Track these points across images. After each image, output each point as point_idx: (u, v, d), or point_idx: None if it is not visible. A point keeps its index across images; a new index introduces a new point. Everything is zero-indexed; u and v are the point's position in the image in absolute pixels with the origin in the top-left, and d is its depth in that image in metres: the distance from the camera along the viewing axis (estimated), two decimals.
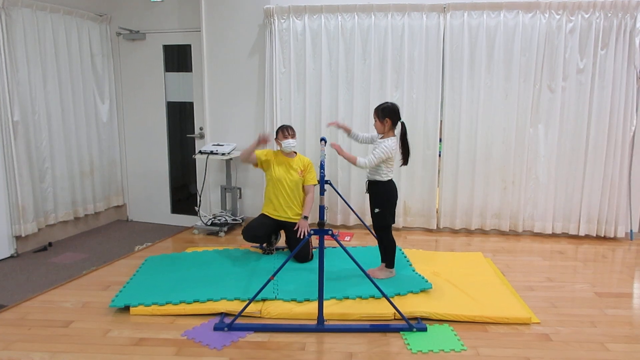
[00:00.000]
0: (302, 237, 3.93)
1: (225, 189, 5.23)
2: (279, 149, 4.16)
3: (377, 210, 3.57)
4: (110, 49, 5.50)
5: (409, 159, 3.59)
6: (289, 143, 4.06)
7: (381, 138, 3.53)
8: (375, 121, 3.54)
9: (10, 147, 4.35)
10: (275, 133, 4.26)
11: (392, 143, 3.45)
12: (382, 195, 3.56)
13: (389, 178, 3.54)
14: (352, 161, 3.46)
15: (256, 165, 4.18)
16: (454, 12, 4.72)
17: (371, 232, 4.58)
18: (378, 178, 3.52)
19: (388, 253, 3.64)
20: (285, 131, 4.10)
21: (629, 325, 3.07)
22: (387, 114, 3.47)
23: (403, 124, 3.53)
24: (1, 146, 4.34)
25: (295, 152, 4.22)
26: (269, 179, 4.16)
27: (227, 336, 2.91)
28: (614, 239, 4.91)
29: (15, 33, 4.36)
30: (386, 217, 3.57)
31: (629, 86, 4.64)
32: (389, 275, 3.64)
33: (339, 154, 3.49)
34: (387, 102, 3.56)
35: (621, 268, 4.15)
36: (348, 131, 3.86)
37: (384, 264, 3.66)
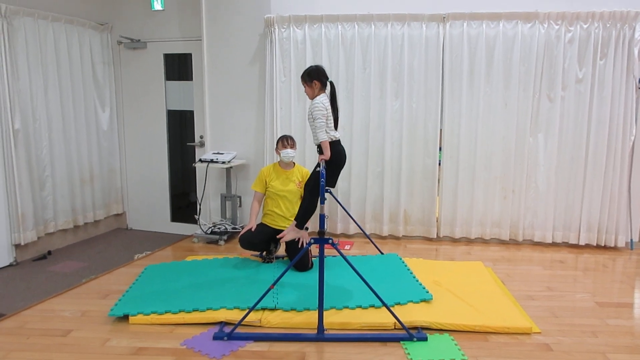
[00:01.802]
0: (302, 246, 3.92)
1: (225, 197, 5.23)
2: (278, 159, 4.17)
3: (318, 169, 3.42)
4: (111, 58, 5.53)
5: (338, 123, 3.49)
6: (287, 153, 4.08)
7: None
8: (305, 87, 3.50)
9: (11, 155, 4.35)
10: (275, 143, 4.27)
11: (322, 99, 3.39)
12: (331, 155, 3.43)
13: (335, 139, 3.45)
14: (324, 146, 3.38)
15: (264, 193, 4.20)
16: (454, 22, 4.75)
17: (371, 242, 4.57)
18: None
19: (304, 214, 3.54)
20: (284, 141, 4.12)
21: (630, 336, 3.06)
22: (314, 76, 3.42)
23: (332, 84, 3.47)
24: (2, 154, 4.34)
25: (294, 163, 4.22)
26: (268, 194, 4.17)
27: (226, 345, 2.89)
28: (615, 248, 4.90)
29: (16, 41, 4.39)
30: (325, 177, 3.45)
31: (628, 96, 4.65)
32: (296, 236, 3.57)
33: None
34: (311, 66, 3.53)
35: (622, 278, 4.14)
36: None
37: (295, 223, 3.60)
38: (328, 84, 3.48)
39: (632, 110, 4.67)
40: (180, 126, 5.66)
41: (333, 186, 3.61)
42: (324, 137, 3.35)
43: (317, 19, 4.88)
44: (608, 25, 4.58)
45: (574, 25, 4.63)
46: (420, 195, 5.07)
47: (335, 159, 3.44)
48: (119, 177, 5.74)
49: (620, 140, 4.70)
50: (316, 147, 3.53)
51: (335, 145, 3.44)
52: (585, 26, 4.61)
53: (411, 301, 3.37)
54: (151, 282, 3.77)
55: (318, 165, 3.50)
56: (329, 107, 3.42)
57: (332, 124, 3.45)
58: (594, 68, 4.66)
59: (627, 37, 4.58)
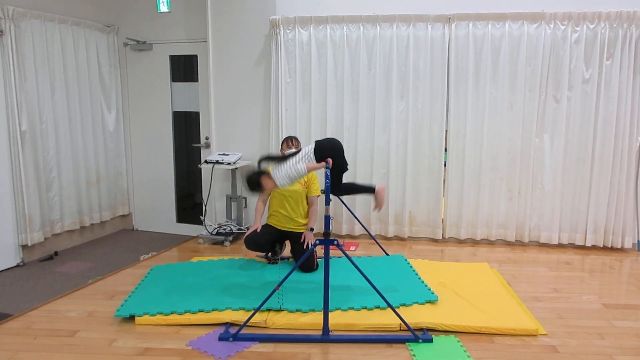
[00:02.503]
0: (307, 247, 3.93)
1: (230, 198, 5.24)
2: None
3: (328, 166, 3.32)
4: (117, 60, 5.55)
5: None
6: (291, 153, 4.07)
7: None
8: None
9: (18, 157, 4.38)
10: (280, 145, 4.28)
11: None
12: (321, 151, 3.34)
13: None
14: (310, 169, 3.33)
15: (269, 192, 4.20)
16: (459, 23, 4.74)
17: (377, 243, 4.57)
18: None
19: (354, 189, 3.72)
20: (289, 142, 4.13)
21: (637, 337, 3.04)
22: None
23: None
24: (9, 155, 4.37)
25: None
26: (273, 194, 4.17)
27: (232, 346, 2.90)
28: (621, 249, 4.87)
29: (24, 43, 4.41)
30: (338, 170, 3.37)
31: (635, 96, 4.63)
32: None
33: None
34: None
35: (629, 279, 4.11)
36: None
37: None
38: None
39: (638, 110, 4.64)
40: (186, 127, 5.68)
41: (347, 168, 3.54)
42: (303, 166, 3.28)
43: (322, 20, 4.88)
44: (615, 25, 4.56)
45: (581, 26, 4.61)
46: (426, 196, 5.06)
47: (326, 147, 3.35)
48: (125, 178, 5.76)
49: (627, 140, 4.67)
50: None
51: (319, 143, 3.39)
52: (591, 26, 4.59)
53: (416, 302, 3.36)
54: (157, 283, 3.78)
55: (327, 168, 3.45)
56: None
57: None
58: (600, 68, 4.64)
59: (634, 37, 4.55)
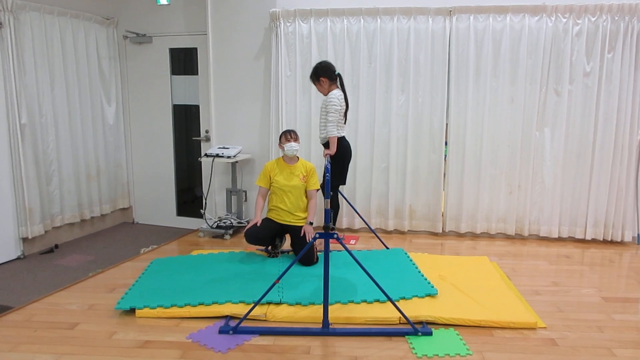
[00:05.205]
0: (307, 240, 3.93)
1: (230, 191, 5.24)
2: (281, 154, 4.16)
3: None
4: (117, 52, 5.54)
5: (347, 116, 3.49)
6: (291, 146, 4.04)
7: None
8: (316, 86, 3.51)
9: (18, 150, 4.38)
10: (279, 139, 4.26)
11: (336, 93, 3.39)
12: (337, 152, 3.45)
13: (341, 135, 3.46)
14: (331, 141, 3.38)
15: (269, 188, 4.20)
16: (460, 16, 4.72)
17: (377, 236, 4.57)
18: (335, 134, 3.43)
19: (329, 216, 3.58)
20: (288, 135, 4.08)
21: (636, 331, 3.05)
22: (321, 73, 3.44)
23: (339, 76, 3.47)
24: (9, 148, 4.37)
25: (298, 158, 4.21)
26: (272, 189, 4.16)
27: (232, 339, 2.91)
28: (621, 243, 4.88)
29: (23, 36, 4.40)
30: (335, 175, 3.46)
31: (636, 89, 4.62)
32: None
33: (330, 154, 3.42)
34: (317, 63, 3.53)
35: (628, 272, 4.12)
36: None
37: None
38: (337, 76, 3.47)
39: (639, 103, 4.63)
40: (186, 121, 5.67)
41: (344, 183, 3.60)
42: (334, 132, 3.35)
43: (322, 13, 4.86)
44: (616, 18, 4.54)
45: (582, 18, 4.59)
46: (426, 189, 5.06)
47: (341, 154, 3.45)
48: (125, 172, 5.76)
49: (627, 134, 4.66)
50: (321, 143, 3.52)
51: (341, 141, 3.44)
52: (593, 19, 4.57)
53: (416, 296, 3.37)
54: (157, 276, 3.79)
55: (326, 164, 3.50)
56: (344, 102, 3.42)
57: (344, 120, 3.44)
58: (601, 61, 4.62)
59: (636, 30, 4.53)
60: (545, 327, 3.08)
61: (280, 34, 4.93)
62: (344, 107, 3.39)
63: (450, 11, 4.72)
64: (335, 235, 3.00)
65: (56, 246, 4.84)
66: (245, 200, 5.33)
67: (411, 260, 4.09)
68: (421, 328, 2.99)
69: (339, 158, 3.44)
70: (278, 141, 4.21)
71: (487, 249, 4.70)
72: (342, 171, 3.48)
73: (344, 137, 3.47)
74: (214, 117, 5.30)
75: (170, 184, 5.70)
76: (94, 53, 5.22)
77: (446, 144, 4.99)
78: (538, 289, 3.70)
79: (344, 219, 5.21)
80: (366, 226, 4.81)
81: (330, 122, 3.33)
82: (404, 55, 4.85)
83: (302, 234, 4.00)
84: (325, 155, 3.43)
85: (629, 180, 4.75)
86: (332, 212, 3.48)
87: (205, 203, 5.22)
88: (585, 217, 4.87)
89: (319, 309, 3.09)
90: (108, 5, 5.41)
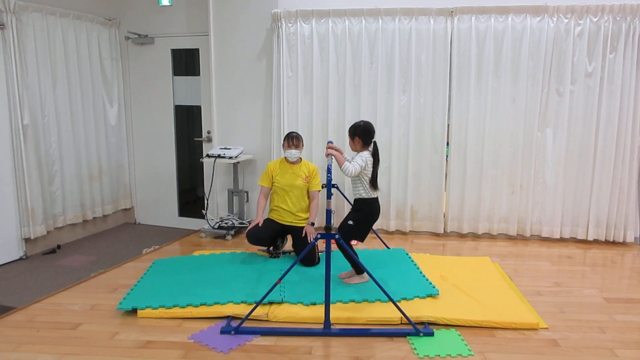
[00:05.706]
0: (309, 241, 3.93)
1: (232, 192, 5.25)
2: (284, 155, 4.17)
3: (350, 222, 3.53)
4: (119, 53, 5.55)
5: (377, 184, 3.51)
6: (291, 154, 4.06)
7: None
8: (349, 141, 3.53)
9: (20, 150, 4.39)
10: (282, 140, 4.26)
11: (366, 155, 3.42)
12: (362, 212, 3.52)
13: (373, 197, 3.50)
14: (340, 164, 3.43)
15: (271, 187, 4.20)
16: (462, 16, 4.72)
17: (378, 237, 4.57)
18: (364, 195, 3.49)
19: (352, 263, 3.57)
20: (289, 141, 4.07)
21: (638, 332, 3.05)
22: (358, 133, 3.45)
23: (375, 144, 3.48)
24: (11, 149, 4.38)
25: (301, 158, 4.22)
26: (274, 189, 4.17)
27: (233, 339, 2.91)
28: (623, 243, 4.87)
29: (25, 37, 4.41)
30: (352, 233, 3.52)
31: (638, 90, 4.61)
32: (362, 280, 3.58)
33: (335, 155, 3.43)
34: (359, 121, 3.52)
35: (630, 273, 4.11)
36: (341, 152, 3.75)
37: (353, 271, 3.64)
38: (372, 143, 3.48)
39: None
40: (188, 121, 5.68)
41: (362, 240, 3.66)
42: (349, 167, 3.35)
43: (324, 13, 4.86)
44: (618, 18, 4.53)
45: (584, 19, 4.58)
46: (428, 190, 5.06)
47: (369, 217, 3.53)
48: (127, 172, 5.77)
49: (629, 134, 4.66)
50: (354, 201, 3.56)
51: (372, 203, 3.50)
52: (595, 19, 4.57)
53: (418, 296, 3.37)
54: (159, 277, 3.79)
55: (348, 219, 3.55)
56: (370, 165, 3.43)
57: (369, 181, 3.44)
58: (603, 62, 4.61)
59: (638, 30, 4.53)
60: (547, 328, 3.07)
61: (282, 35, 4.93)
62: (370, 170, 3.42)
63: (452, 12, 4.72)
64: (336, 236, 3.00)
65: (58, 246, 4.85)
66: (247, 200, 5.33)
67: (412, 261, 4.09)
68: (423, 328, 2.98)
69: (363, 218, 3.51)
70: (282, 141, 4.22)
71: (489, 250, 4.70)
72: (364, 230, 3.55)
73: (376, 198, 3.52)
74: (216, 118, 5.30)
75: (172, 185, 5.71)
76: (96, 54, 5.23)
77: (448, 144, 4.99)
78: (540, 290, 3.70)
79: None
80: None
81: (352, 165, 3.35)
82: (405, 56, 4.85)
83: (303, 235, 4.00)
84: (328, 155, 3.43)
85: (631, 180, 4.75)
86: (351, 259, 3.53)
87: (207, 204, 5.22)
88: (587, 217, 4.86)
89: (321, 309, 3.09)
90: (110, 6, 5.42)
